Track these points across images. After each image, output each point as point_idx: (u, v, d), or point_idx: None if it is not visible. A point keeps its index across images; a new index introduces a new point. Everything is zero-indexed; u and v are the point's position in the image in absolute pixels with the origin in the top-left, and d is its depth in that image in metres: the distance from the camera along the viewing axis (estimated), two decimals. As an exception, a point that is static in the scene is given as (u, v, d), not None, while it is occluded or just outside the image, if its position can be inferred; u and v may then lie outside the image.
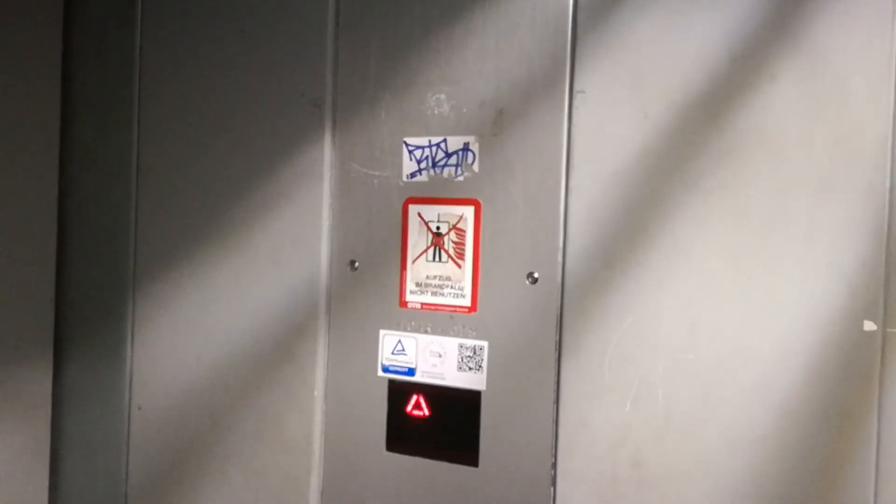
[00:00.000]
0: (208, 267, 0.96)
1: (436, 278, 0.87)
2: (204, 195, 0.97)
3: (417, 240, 0.88)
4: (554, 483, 0.81)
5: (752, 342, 0.73)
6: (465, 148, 0.86)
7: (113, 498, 1.00)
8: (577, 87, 0.80)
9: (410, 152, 0.88)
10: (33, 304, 1.01)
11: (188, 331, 0.97)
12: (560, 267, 0.81)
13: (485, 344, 0.84)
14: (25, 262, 1.00)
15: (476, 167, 0.85)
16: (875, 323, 0.69)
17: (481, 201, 0.85)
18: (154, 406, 0.99)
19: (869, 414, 0.69)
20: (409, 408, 0.88)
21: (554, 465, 0.81)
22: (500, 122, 0.83)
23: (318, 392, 0.91)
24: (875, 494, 0.69)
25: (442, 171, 0.87)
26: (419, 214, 0.88)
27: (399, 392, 0.88)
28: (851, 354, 0.70)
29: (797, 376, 0.71)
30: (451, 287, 0.87)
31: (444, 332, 0.86)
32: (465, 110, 0.84)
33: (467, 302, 0.86)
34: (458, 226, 0.86)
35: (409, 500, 0.86)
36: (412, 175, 0.88)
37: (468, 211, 0.86)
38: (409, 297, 0.88)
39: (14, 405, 1.00)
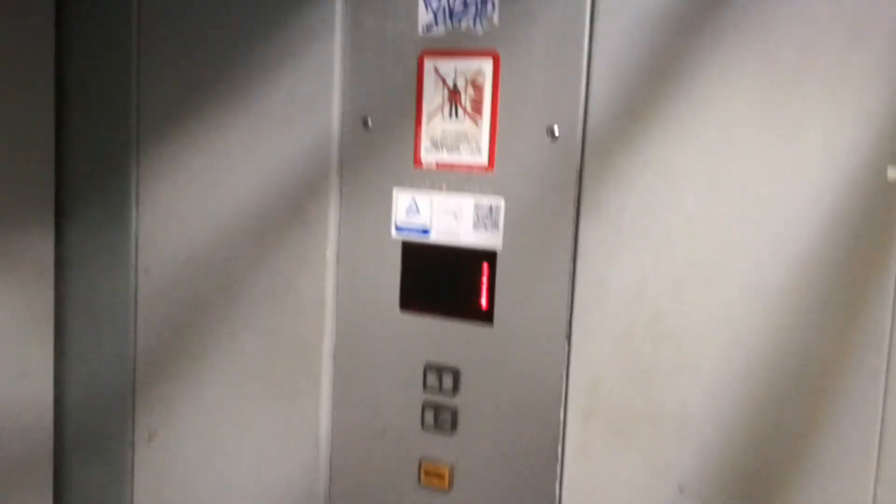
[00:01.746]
0: (217, 125, 0.93)
1: (452, 135, 0.85)
2: (211, 49, 0.93)
3: (433, 95, 0.85)
4: (569, 340, 0.81)
5: (775, 193, 0.72)
6: (486, -4, 0.82)
7: (121, 362, 1.00)
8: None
9: (426, 3, 0.84)
10: (32, 163, 0.98)
11: (196, 191, 0.95)
12: (581, 121, 0.79)
13: (501, 202, 0.83)
14: (23, 120, 0.96)
15: (496, 18, 0.81)
16: (903, 171, 0.69)
17: (500, 54, 0.81)
18: (161, 269, 0.98)
19: (888, 265, 0.69)
20: (422, 268, 0.87)
21: (570, 323, 0.81)
22: (523, -33, 0.79)
23: (331, 253, 0.90)
24: (890, 346, 0.70)
25: (460, 24, 0.84)
26: (435, 69, 0.85)
27: (413, 252, 0.88)
28: (874, 205, 0.70)
29: (819, 227, 0.71)
30: (468, 144, 0.85)
31: (459, 191, 0.84)
32: (485, -45, 0.80)
33: (484, 160, 0.84)
34: (476, 80, 0.83)
35: (422, 361, 0.87)
36: (428, 28, 0.84)
37: (486, 65, 0.83)
38: (423, 156, 0.86)
39: (16, 269, 0.98)
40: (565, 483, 0.82)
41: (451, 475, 0.87)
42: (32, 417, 1.00)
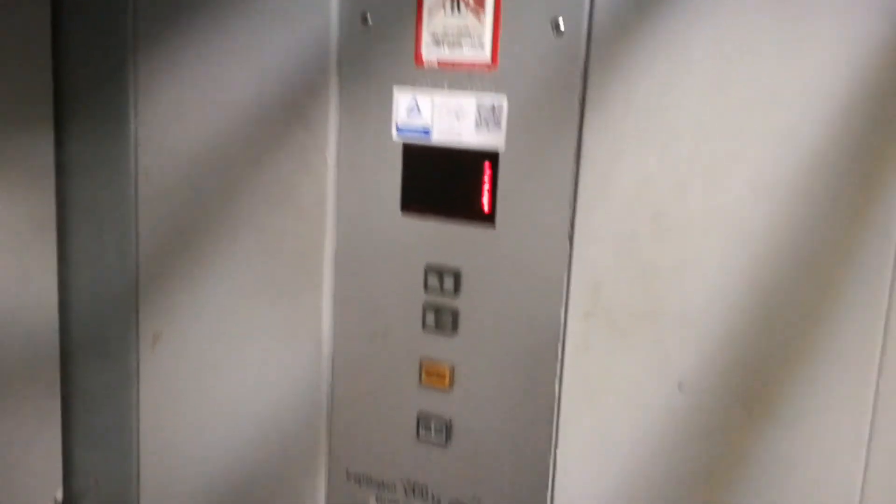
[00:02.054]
0: (214, 26, 0.90)
1: (454, 31, 0.83)
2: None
3: (435, -11, 0.83)
4: (571, 240, 0.80)
5: (786, 87, 0.70)
6: None
7: (123, 265, 1.00)
8: None
9: None
10: (30, 69, 0.96)
11: (194, 93, 0.93)
12: (587, 14, 0.76)
13: (504, 101, 0.81)
14: (19, 27, 0.94)
15: None
16: (920, 60, 0.67)
17: (505, -56, 0.79)
18: (161, 172, 0.97)
19: (899, 158, 0.68)
20: (424, 169, 0.86)
21: (572, 223, 0.80)
22: None
23: (331, 156, 0.89)
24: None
25: (462, -88, 0.80)
26: (437, -39, 0.82)
27: (414, 154, 0.86)
28: (890, 97, 0.68)
29: (831, 121, 0.69)
30: (470, 40, 0.82)
31: (461, 90, 0.82)
32: None
33: (487, 56, 0.82)
34: (480, -28, 0.81)
35: (423, 263, 0.87)
36: (430, -84, 0.81)
37: (490, -45, 0.80)
38: (424, 54, 0.84)
39: (16, 174, 0.97)
40: (565, 382, 0.83)
41: (452, 375, 0.88)
42: (38, 321, 1.01)
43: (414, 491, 0.91)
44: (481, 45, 0.82)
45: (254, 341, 0.96)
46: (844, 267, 0.71)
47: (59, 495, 1.05)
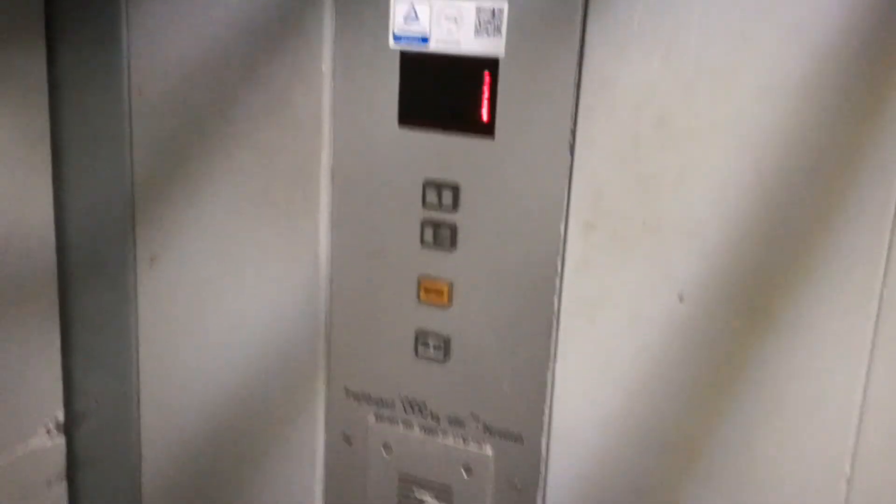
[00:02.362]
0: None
1: (452, -68, 0.80)
2: None
3: None
4: (572, 150, 0.78)
5: (800, -19, 0.67)
6: None
7: (119, 184, 0.98)
8: None
9: None
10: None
11: (185, 5, 0.90)
12: None
13: (504, 4, 0.78)
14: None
15: None
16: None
17: None
18: (155, 88, 0.94)
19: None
20: (422, 79, 0.84)
21: (573, 132, 0.78)
22: None
23: (326, 66, 0.86)
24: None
25: None
26: None
27: (412, 63, 0.83)
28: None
29: (841, 15, 0.66)
30: (470, -58, 0.79)
31: (460, -5, 0.80)
32: None
33: (487, -42, 0.79)
34: None
35: (421, 178, 0.85)
36: None
37: None
38: (422, -43, 0.81)
39: (10, 93, 0.95)
40: (564, 296, 0.81)
41: (451, 291, 0.87)
42: (35, 241, 1.00)
43: (412, 407, 0.91)
44: (481, -53, 0.79)
45: (251, 260, 0.94)
46: (851, 174, 0.69)
47: (61, 416, 1.05)
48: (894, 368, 0.70)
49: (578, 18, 0.75)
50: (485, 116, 0.81)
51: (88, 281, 1.04)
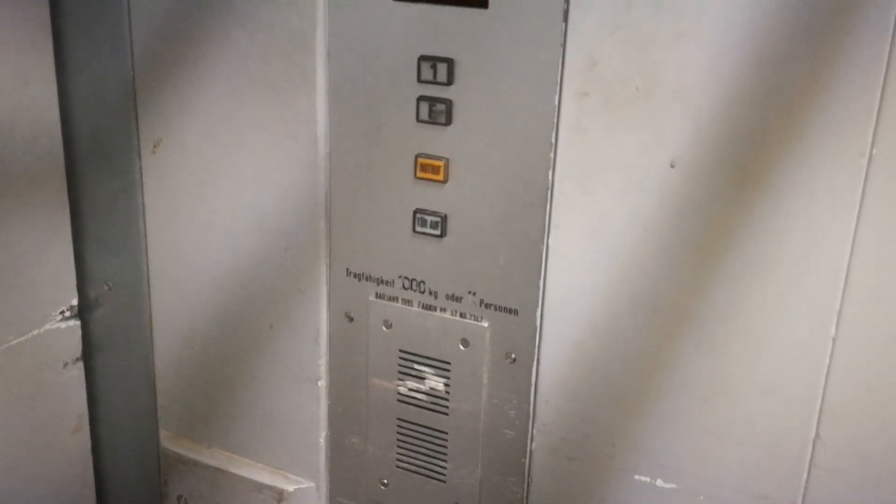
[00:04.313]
0: None
1: None
2: None
3: None
4: (566, 16, 0.77)
5: None
6: None
7: (120, 71, 0.99)
8: None
9: None
10: None
11: None
12: None
13: None
14: None
15: None
16: None
17: None
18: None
19: None
20: (415, -50, 0.82)
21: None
22: None
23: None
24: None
25: None
26: None
27: (405, -67, 0.82)
28: None
29: None
30: None
31: None
32: None
33: None
34: None
35: (417, 52, 0.84)
36: None
37: None
38: None
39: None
40: (558, 167, 0.82)
41: (447, 168, 0.87)
42: (41, 128, 1.01)
43: (412, 285, 0.93)
44: None
45: (251, 141, 0.95)
46: (842, 34, 0.68)
47: (75, 300, 1.09)
48: (880, 230, 0.70)
49: None
50: (479, -15, 0.81)
51: (95, 168, 1.06)
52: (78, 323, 1.10)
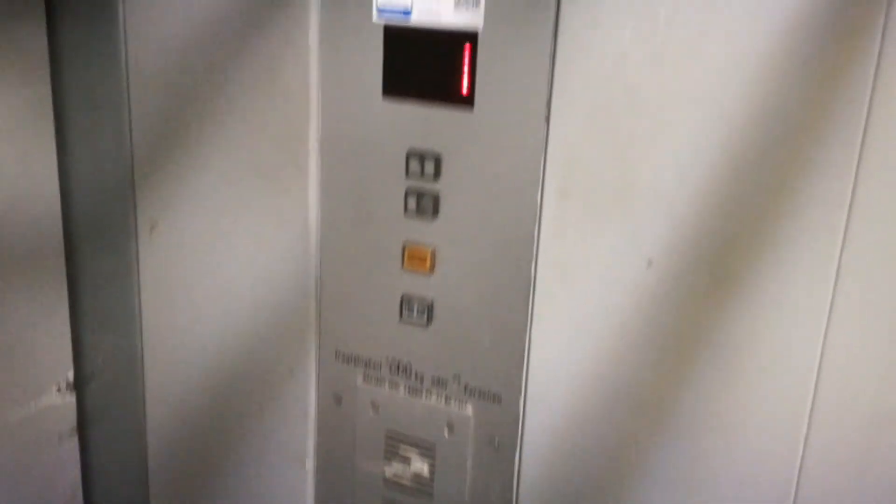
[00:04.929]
0: None
1: None
2: None
3: None
4: (548, 119, 0.81)
5: (763, -46, 0.69)
6: None
7: (119, 154, 1.03)
8: None
9: None
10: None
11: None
12: None
13: (483, -21, 0.81)
14: None
15: None
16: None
17: None
18: (151, 61, 0.97)
19: (874, 23, 0.67)
20: (404, 52, 0.86)
21: (549, 103, 0.80)
22: None
23: (313, 39, 0.89)
24: (871, 97, 0.69)
25: None
26: None
27: (395, 36, 0.86)
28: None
29: (806, -11, 0.68)
30: (448, -84, 0.81)
31: (440, -31, 0.82)
32: None
33: (465, -67, 0.81)
34: None
35: (405, 147, 0.88)
36: None
37: None
38: (403, -68, 0.83)
39: (12, 65, 0.99)
40: (540, 262, 0.84)
41: (433, 258, 0.90)
42: (41, 210, 1.05)
43: (399, 369, 0.95)
44: (459, -79, 0.81)
45: (245, 229, 0.98)
46: (813, 142, 0.71)
47: (71, 375, 1.11)
48: (850, 333, 0.73)
49: (553, -8, 0.77)
50: (465, 88, 0.84)
51: (93, 247, 1.09)
52: (74, 397, 1.12)
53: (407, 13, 0.85)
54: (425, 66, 0.85)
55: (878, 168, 0.70)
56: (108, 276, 1.08)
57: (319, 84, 0.90)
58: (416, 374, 0.94)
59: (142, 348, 1.10)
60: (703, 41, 0.72)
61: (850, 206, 0.70)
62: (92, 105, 1.03)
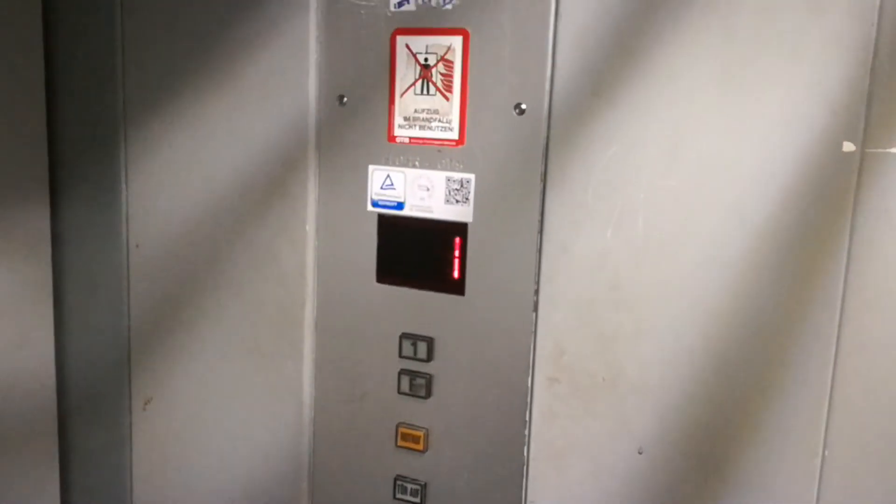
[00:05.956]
0: (199, 103, 0.96)
1: (424, 112, 0.87)
2: (192, 31, 0.95)
3: (405, 73, 0.87)
4: (536, 308, 0.84)
5: (733, 165, 0.74)
6: (453, -26, 0.84)
7: (116, 332, 1.05)
8: None
9: (397, -20, 0.87)
10: (26, 145, 1.02)
11: (181, 168, 0.99)
12: (547, 97, 0.81)
13: (472, 177, 0.85)
14: (15, 106, 1.00)
15: (464, -5, 0.83)
16: (854, 144, 0.70)
17: (469, 31, 0.83)
18: (151, 244, 1.02)
19: (841, 234, 0.71)
20: (397, 241, 0.90)
21: (536, 293, 0.84)
22: (487, -55, 0.80)
23: (310, 226, 0.93)
24: (841, 315, 0.72)
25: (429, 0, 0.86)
26: (407, 46, 0.87)
27: (388, 225, 0.90)
28: (828, 176, 0.71)
29: (775, 198, 0.73)
30: (439, 120, 0.87)
31: (431, 166, 0.87)
32: (452, -66, 0.82)
33: (455, 135, 0.86)
34: (447, 57, 0.85)
35: (398, 329, 0.90)
36: (399, 4, 0.86)
37: (456, 41, 0.85)
38: (397, 132, 0.89)
39: (15, 245, 1.02)
40: (532, 446, 0.86)
41: (427, 438, 0.91)
42: (36, 386, 1.05)
43: (392, 551, 0.94)
44: (449, 125, 0.86)
45: (239, 405, 0.99)
46: (792, 334, 0.74)
47: (56, 551, 1.08)
48: (841, 524, 0.74)
49: (538, 192, 0.82)
50: (456, 276, 0.88)
51: (86, 421, 1.09)
52: (58, 575, 1.09)
53: (400, 206, 0.89)
54: (418, 253, 0.89)
55: (852, 372, 0.73)
56: (100, 451, 1.08)
57: (315, 268, 0.94)
58: (409, 557, 0.93)
59: (131, 525, 1.08)
60: (678, 243, 0.77)
61: (830, 398, 0.73)
62: (91, 284, 1.06)
